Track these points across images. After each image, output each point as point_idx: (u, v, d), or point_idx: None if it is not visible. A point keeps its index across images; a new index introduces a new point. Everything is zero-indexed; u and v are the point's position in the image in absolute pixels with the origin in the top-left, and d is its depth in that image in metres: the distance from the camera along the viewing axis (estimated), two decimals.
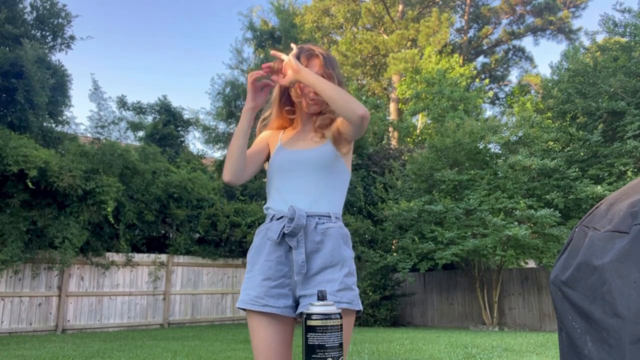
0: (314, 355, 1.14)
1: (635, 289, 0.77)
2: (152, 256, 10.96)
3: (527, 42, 49.08)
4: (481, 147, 10.68)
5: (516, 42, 25.26)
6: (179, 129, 14.24)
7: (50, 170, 8.79)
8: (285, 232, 1.49)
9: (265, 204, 1.66)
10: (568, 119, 11.40)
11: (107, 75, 42.28)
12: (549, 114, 11.99)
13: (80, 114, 53.39)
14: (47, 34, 10.76)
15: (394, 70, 20.06)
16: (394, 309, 11.47)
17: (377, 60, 23.01)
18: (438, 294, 11.91)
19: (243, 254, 12.16)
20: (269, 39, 16.16)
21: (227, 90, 15.39)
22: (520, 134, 10.66)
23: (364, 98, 21.16)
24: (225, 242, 12.14)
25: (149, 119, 14.04)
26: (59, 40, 10.86)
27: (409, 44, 21.49)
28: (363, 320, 11.05)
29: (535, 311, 10.32)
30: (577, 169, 9.70)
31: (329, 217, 1.54)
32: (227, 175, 1.59)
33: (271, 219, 1.57)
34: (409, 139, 19.92)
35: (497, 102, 25.11)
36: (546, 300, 10.19)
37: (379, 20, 23.01)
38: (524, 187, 9.90)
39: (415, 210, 10.22)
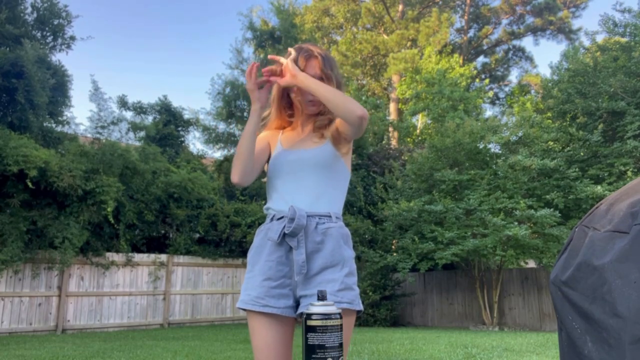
0: (314, 355, 1.14)
1: (635, 289, 0.77)
2: (152, 256, 10.96)
3: (527, 42, 49.15)
4: (481, 147, 10.68)
5: (516, 42, 25.27)
6: (179, 129, 14.24)
7: (50, 170, 8.79)
8: (286, 232, 1.49)
9: (265, 204, 1.67)
10: (568, 119, 11.40)
11: (107, 76, 42.30)
12: (549, 114, 11.99)
13: (80, 114, 53.40)
14: (48, 34, 10.77)
15: (394, 70, 20.06)
16: (394, 309, 11.47)
17: (377, 60, 23.01)
18: (438, 294, 11.91)
19: (243, 254, 12.16)
20: (269, 39, 16.16)
21: (227, 90, 15.39)
22: (520, 134, 10.66)
23: (364, 98, 21.15)
24: (225, 242, 12.14)
25: (150, 119, 14.05)
26: (60, 41, 10.87)
27: (409, 44, 21.49)
28: (363, 320, 11.05)
29: (535, 311, 10.32)
30: (577, 169, 9.70)
31: (330, 217, 1.54)
32: (235, 177, 1.58)
33: (271, 219, 1.57)
34: (409, 139, 19.92)
35: (497, 102, 25.12)
36: (546, 300, 10.19)
37: (379, 20, 23.00)
38: (524, 187, 9.90)
39: (415, 210, 10.22)
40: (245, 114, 15.51)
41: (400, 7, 22.58)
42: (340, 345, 1.16)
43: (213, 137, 16.04)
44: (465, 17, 24.52)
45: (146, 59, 44.79)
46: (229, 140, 16.14)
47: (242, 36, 20.62)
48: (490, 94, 23.66)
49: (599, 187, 9.11)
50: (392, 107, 21.69)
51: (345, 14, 23.27)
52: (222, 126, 16.11)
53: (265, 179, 1.70)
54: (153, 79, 47.56)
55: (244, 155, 1.56)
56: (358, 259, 10.80)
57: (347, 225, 10.55)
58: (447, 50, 22.07)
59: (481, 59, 26.10)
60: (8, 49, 9.49)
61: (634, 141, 9.31)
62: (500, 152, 10.99)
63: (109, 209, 9.51)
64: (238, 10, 34.30)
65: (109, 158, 9.93)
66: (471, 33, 25.33)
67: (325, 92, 1.49)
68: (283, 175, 1.61)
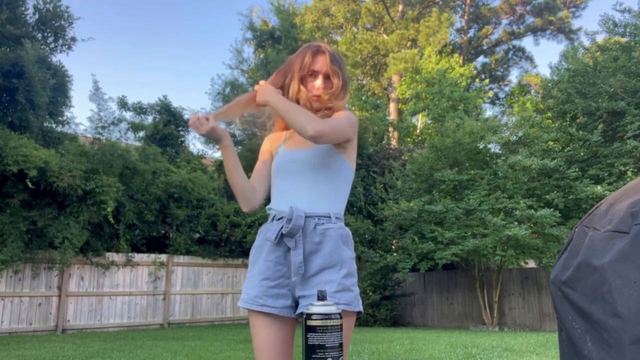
0: (314, 355, 1.14)
1: (635, 289, 0.77)
2: (152, 256, 10.96)
3: (527, 42, 49.15)
4: (481, 147, 10.68)
5: (516, 42, 25.26)
6: (179, 129, 14.24)
7: (50, 170, 8.79)
8: (283, 232, 1.49)
9: (266, 204, 1.67)
10: (568, 119, 11.40)
11: (107, 76, 42.29)
12: (549, 114, 11.99)
13: (80, 114, 53.40)
14: (49, 35, 10.78)
15: (394, 70, 20.05)
16: (394, 309, 11.47)
17: (377, 60, 23.01)
18: (438, 294, 11.91)
19: (243, 254, 12.17)
20: (269, 39, 16.17)
21: (227, 90, 15.40)
22: (520, 134, 10.66)
23: (364, 98, 21.16)
24: (225, 242, 12.14)
25: (150, 119, 14.05)
26: (60, 42, 10.88)
27: (409, 44, 21.49)
28: (363, 320, 11.05)
29: (535, 311, 10.32)
30: (577, 169, 9.69)
31: (329, 217, 1.54)
32: (244, 207, 1.66)
33: (272, 219, 1.58)
34: (409, 139, 19.92)
35: (497, 102, 25.11)
36: (546, 300, 10.19)
37: (379, 20, 23.00)
38: (524, 187, 9.89)
39: (415, 210, 10.22)
40: (245, 113, 15.50)
41: (400, 7, 22.57)
42: (340, 345, 1.16)
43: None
44: (465, 17, 24.52)
45: (146, 59, 44.82)
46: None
47: (242, 36, 20.65)
48: (490, 94, 23.65)
49: (599, 187, 9.11)
50: (392, 107, 21.68)
51: (345, 14, 23.27)
52: (222, 126, 16.10)
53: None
54: (153, 79, 47.58)
55: (238, 186, 1.63)
56: (358, 259, 10.80)
57: (347, 225, 10.55)
58: (447, 50, 22.06)
59: (481, 59, 26.11)
60: (9, 49, 9.50)
61: (634, 141, 9.31)
62: (500, 152, 10.99)
63: (109, 209, 9.51)
64: (238, 10, 34.33)
65: (109, 158, 9.93)
66: (471, 33, 25.33)
67: (284, 108, 1.54)
68: (283, 175, 1.61)
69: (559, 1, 23.26)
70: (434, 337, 7.77)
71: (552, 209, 9.10)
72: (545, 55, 41.59)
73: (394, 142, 18.49)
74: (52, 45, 10.85)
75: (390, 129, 19.01)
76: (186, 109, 14.53)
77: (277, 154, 1.68)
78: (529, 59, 25.20)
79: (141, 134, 13.65)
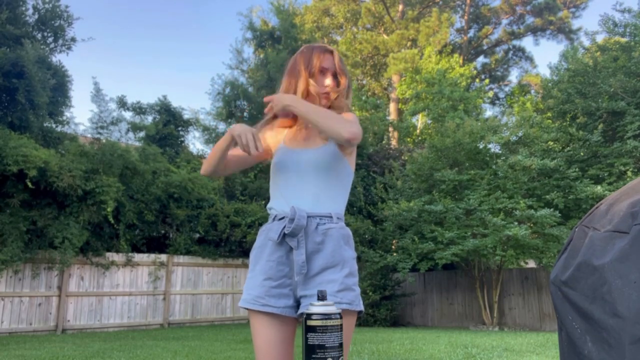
0: (314, 355, 1.14)
1: (635, 289, 0.77)
2: (152, 256, 10.96)
3: (527, 42, 49.18)
4: (481, 147, 10.68)
5: (516, 42, 25.27)
6: (179, 129, 14.24)
7: (50, 170, 8.79)
8: (286, 232, 1.49)
9: (265, 204, 1.67)
10: (568, 119, 11.40)
11: (106, 76, 42.31)
12: (549, 114, 11.99)
13: (80, 114, 53.40)
14: (49, 35, 10.78)
15: (394, 70, 20.06)
16: (394, 309, 11.47)
17: (377, 60, 23.01)
18: (438, 294, 11.91)
19: (243, 254, 12.17)
20: (269, 39, 16.17)
21: (227, 90, 15.39)
22: (520, 134, 10.66)
23: (364, 98, 21.17)
24: (225, 242, 12.14)
25: (149, 119, 14.05)
26: (60, 42, 10.88)
27: (409, 44, 21.49)
28: (363, 320, 11.05)
29: (535, 311, 10.32)
30: (577, 169, 9.70)
31: (331, 217, 1.54)
32: (204, 172, 1.67)
33: (273, 219, 1.58)
34: (409, 139, 19.92)
35: (497, 102, 25.11)
36: (546, 300, 10.19)
37: (379, 20, 23.01)
38: (524, 187, 9.89)
39: (415, 210, 10.22)
40: (245, 114, 15.53)
41: (400, 7, 22.58)
42: (340, 345, 1.16)
43: (213, 137, 16.03)
44: (465, 17, 24.52)
45: (146, 59, 44.82)
46: None
47: (242, 36, 20.65)
48: (490, 94, 23.65)
49: (599, 187, 9.11)
50: (392, 107, 21.69)
51: (345, 14, 23.27)
52: (222, 126, 16.11)
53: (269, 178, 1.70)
54: (153, 78, 47.58)
55: (215, 159, 1.62)
56: (358, 259, 10.76)
57: (347, 225, 10.53)
58: (447, 50, 22.06)
59: (481, 59, 26.12)
60: (9, 49, 9.50)
61: (634, 141, 9.31)
62: (500, 152, 10.99)
63: (109, 209, 9.51)
64: (238, 10, 34.34)
65: (109, 158, 9.93)
66: (471, 33, 25.34)
67: (310, 111, 1.51)
68: (285, 174, 1.61)
69: (559, 1, 23.27)
70: (434, 337, 7.77)
71: (552, 209, 9.10)
72: (545, 55, 41.61)
73: (394, 142, 18.49)
74: (52, 45, 10.86)
75: (390, 129, 19.02)
76: (186, 109, 14.55)
77: (278, 151, 1.67)
78: (529, 59, 25.22)
79: (141, 134, 13.65)
